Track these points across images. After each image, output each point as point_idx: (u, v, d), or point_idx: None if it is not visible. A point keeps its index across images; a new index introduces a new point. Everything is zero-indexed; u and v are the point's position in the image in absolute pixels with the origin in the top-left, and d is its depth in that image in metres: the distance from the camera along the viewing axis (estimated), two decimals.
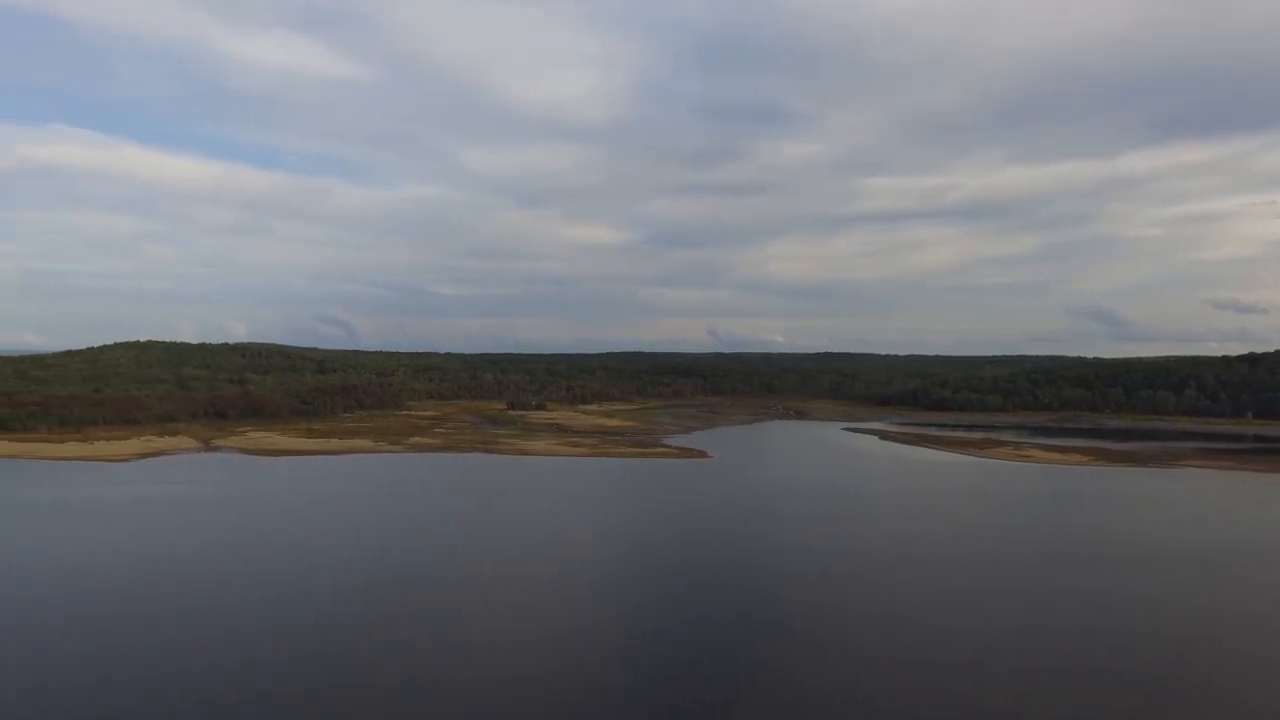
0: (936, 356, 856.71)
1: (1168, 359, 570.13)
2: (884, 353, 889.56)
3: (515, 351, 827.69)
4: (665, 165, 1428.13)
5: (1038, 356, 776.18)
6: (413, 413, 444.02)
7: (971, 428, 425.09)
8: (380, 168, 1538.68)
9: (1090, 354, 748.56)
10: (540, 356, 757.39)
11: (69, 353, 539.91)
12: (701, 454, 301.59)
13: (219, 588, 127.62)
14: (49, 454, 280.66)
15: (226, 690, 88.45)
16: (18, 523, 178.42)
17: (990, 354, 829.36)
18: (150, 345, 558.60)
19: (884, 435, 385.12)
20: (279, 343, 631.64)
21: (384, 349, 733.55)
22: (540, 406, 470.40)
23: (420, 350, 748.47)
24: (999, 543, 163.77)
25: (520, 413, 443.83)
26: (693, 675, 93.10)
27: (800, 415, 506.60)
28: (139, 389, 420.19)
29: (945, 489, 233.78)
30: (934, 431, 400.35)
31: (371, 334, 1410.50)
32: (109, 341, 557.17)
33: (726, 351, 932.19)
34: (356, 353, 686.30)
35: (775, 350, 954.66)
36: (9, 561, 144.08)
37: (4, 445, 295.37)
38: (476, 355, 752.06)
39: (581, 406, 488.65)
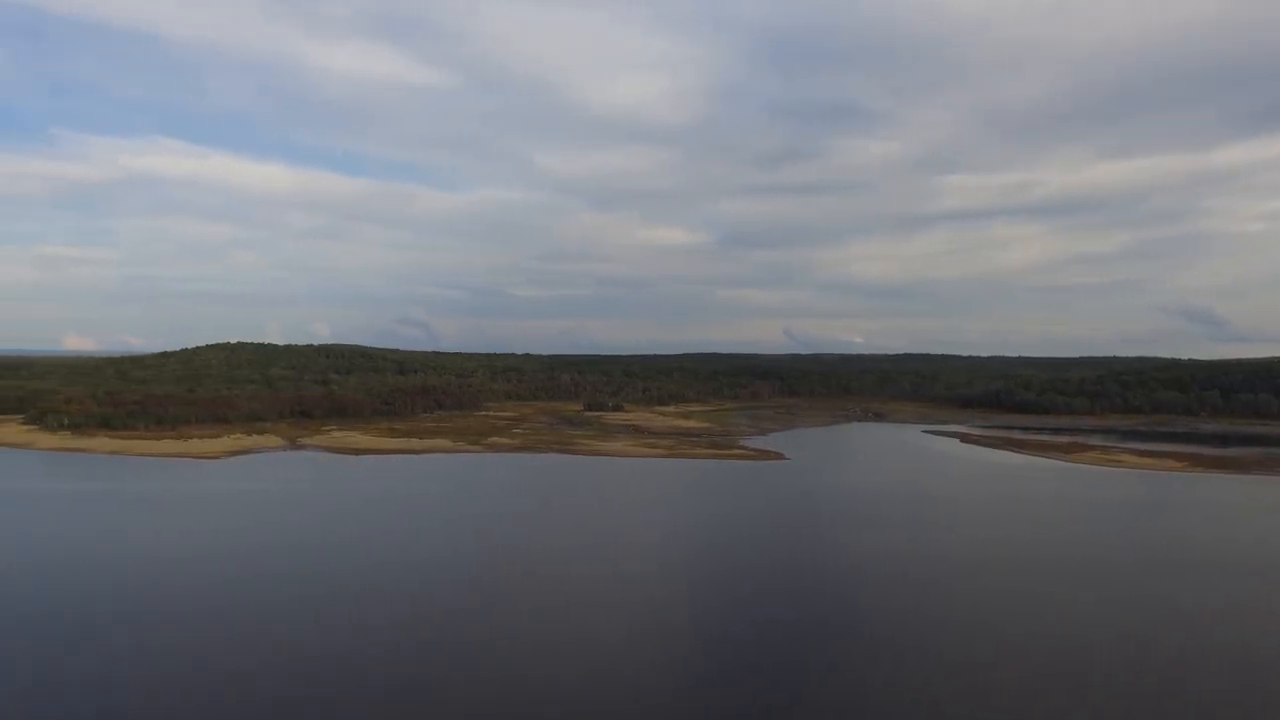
0: (1020, 358, 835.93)
1: (1271, 360, 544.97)
2: (965, 354, 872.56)
3: (592, 353, 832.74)
4: (740, 166, 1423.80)
5: (1128, 358, 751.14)
6: (491, 413, 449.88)
7: (1057, 431, 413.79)
8: (459, 172, 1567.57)
9: (1184, 355, 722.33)
10: (617, 358, 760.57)
11: (165, 354, 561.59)
12: (778, 456, 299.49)
13: (308, 583, 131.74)
14: (148, 451, 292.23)
15: (317, 679, 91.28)
16: (133, 516, 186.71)
17: (1077, 355, 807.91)
18: (240, 347, 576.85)
19: (965, 438, 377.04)
20: (361, 344, 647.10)
21: (463, 350, 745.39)
22: (617, 408, 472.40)
23: (498, 351, 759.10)
24: (1085, 549, 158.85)
25: (597, 414, 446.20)
26: (762, 678, 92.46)
27: (879, 417, 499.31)
28: (229, 389, 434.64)
29: (1028, 493, 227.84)
30: (1017, 435, 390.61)
31: (451, 335, 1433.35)
32: (202, 343, 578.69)
33: (804, 352, 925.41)
34: (436, 354, 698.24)
35: (853, 351, 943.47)
36: (134, 553, 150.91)
37: (108, 442, 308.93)
38: (553, 356, 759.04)
39: (658, 408, 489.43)
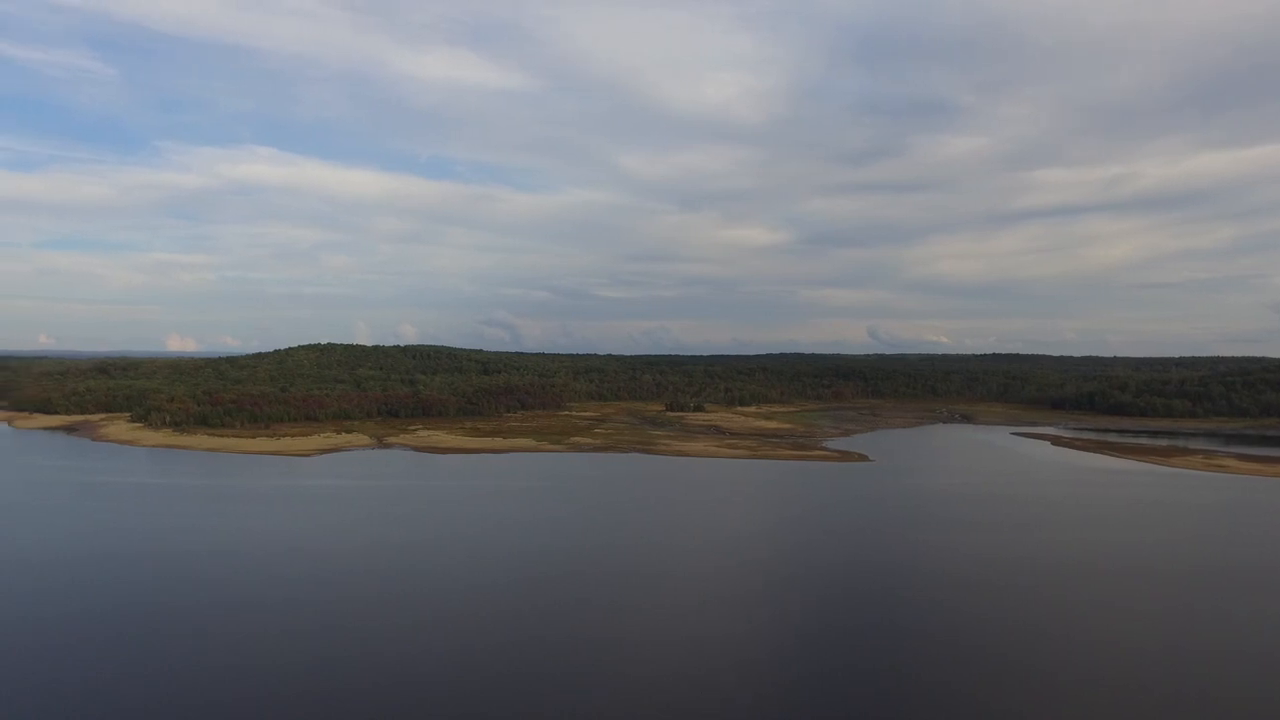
0: (1116, 358, 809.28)
1: None
2: (1057, 354, 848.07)
3: (673, 353, 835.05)
4: (822, 164, 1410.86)
5: (1233, 358, 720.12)
6: (573, 413, 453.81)
7: (1155, 434, 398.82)
8: (543, 174, 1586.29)
9: None
10: (698, 358, 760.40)
11: (260, 354, 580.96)
12: (861, 457, 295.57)
13: (403, 580, 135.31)
14: (244, 448, 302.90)
15: (406, 672, 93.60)
16: (235, 510, 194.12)
17: (1177, 355, 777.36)
18: (330, 348, 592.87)
19: (1056, 441, 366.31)
20: (447, 345, 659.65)
21: (546, 351, 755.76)
22: (698, 408, 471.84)
23: (581, 352, 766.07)
24: (1181, 558, 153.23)
25: (678, 414, 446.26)
26: (835, 682, 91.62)
27: (966, 419, 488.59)
28: (320, 389, 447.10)
29: (1122, 499, 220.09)
30: (1112, 438, 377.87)
31: (534, 336, 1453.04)
32: (294, 344, 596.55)
33: (888, 353, 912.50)
34: (520, 354, 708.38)
35: (939, 351, 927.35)
36: (254, 546, 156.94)
37: (206, 440, 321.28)
38: (635, 357, 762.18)
39: (739, 408, 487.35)
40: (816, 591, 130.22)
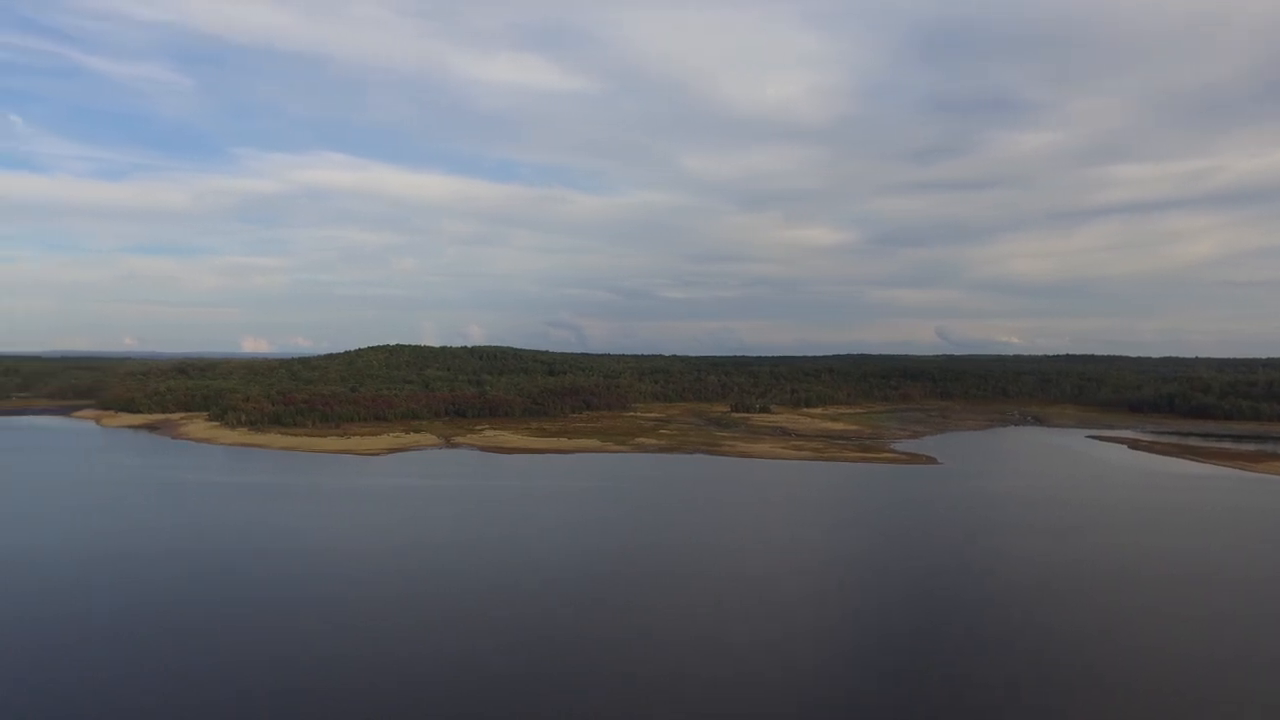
0: (1198, 358, 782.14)
1: None
2: (1135, 354, 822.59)
3: (738, 354, 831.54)
4: (889, 163, 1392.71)
5: None
6: (638, 414, 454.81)
7: (1241, 438, 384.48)
8: (608, 176, 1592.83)
9: None
10: (763, 359, 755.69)
11: (330, 355, 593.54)
12: (930, 460, 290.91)
13: (450, 579, 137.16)
14: (316, 447, 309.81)
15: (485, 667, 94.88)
16: (314, 507, 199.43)
17: (1264, 355, 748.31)
18: (398, 349, 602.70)
19: (1134, 445, 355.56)
20: (513, 346, 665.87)
21: (611, 351, 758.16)
22: (764, 409, 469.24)
23: (646, 353, 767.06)
24: (1265, 567, 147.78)
25: (744, 415, 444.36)
26: (897, 688, 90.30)
27: (1038, 421, 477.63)
28: (389, 389, 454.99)
29: (1204, 505, 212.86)
30: (1194, 442, 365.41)
31: (599, 337, 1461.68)
32: (364, 345, 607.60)
33: (957, 354, 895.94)
34: (585, 355, 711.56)
35: (1011, 352, 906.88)
36: (314, 542, 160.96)
37: (279, 439, 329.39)
38: (700, 358, 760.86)
39: (805, 409, 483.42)
40: (878, 595, 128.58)
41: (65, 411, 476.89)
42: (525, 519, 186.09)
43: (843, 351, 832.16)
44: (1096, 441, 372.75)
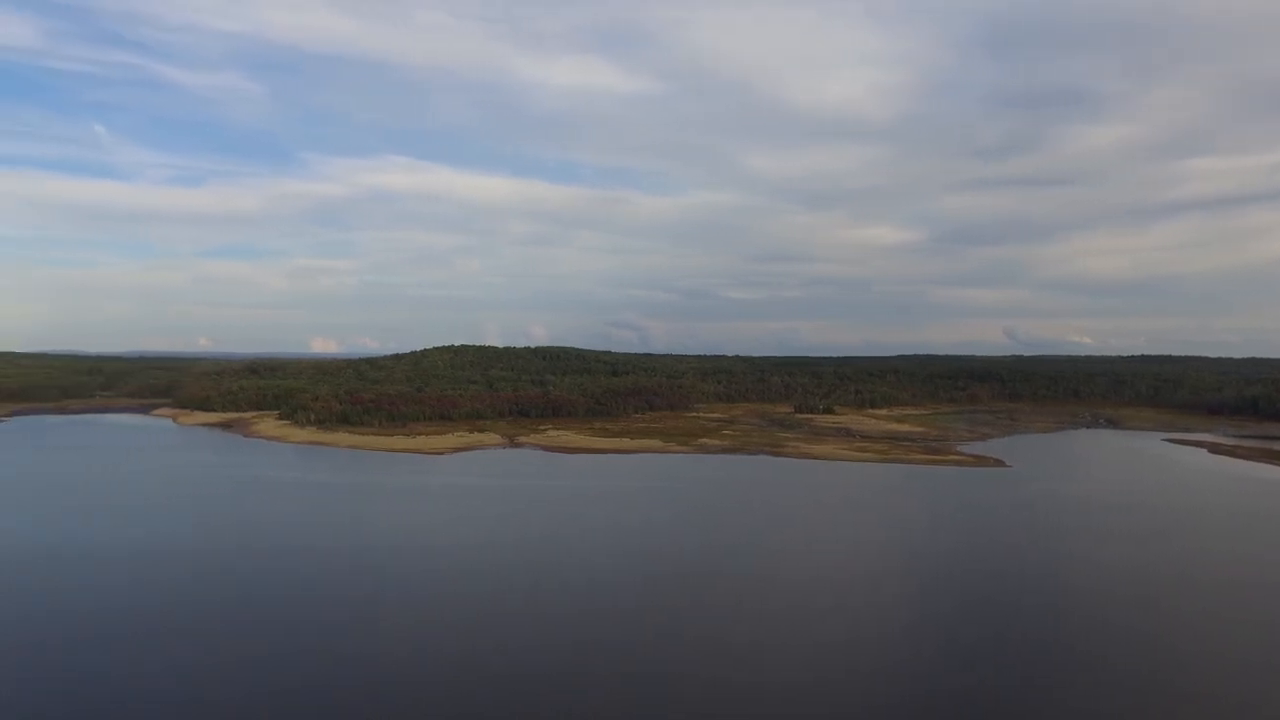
0: None
1: None
2: (1215, 355, 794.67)
3: (802, 354, 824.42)
4: (955, 160, 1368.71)
5: None
6: (701, 414, 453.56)
7: None
8: (669, 176, 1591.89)
9: None
10: (827, 359, 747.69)
11: (397, 356, 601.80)
12: (998, 462, 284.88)
13: (503, 577, 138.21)
14: (382, 446, 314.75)
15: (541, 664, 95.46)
16: (384, 505, 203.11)
17: None
18: (463, 349, 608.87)
19: (1214, 448, 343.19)
20: (576, 346, 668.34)
21: (673, 352, 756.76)
22: (827, 410, 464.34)
23: (708, 353, 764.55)
24: None
25: (807, 416, 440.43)
26: (958, 695, 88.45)
27: (1112, 424, 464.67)
28: (454, 389, 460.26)
29: None
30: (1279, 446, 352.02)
31: (662, 337, 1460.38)
32: (429, 345, 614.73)
33: (1027, 354, 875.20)
34: (648, 355, 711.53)
35: (1082, 353, 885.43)
36: (389, 539, 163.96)
37: (347, 437, 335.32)
38: (763, 358, 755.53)
39: (870, 410, 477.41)
40: (941, 600, 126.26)
41: (144, 410, 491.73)
42: (585, 519, 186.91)
43: (908, 352, 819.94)
44: (1174, 445, 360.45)
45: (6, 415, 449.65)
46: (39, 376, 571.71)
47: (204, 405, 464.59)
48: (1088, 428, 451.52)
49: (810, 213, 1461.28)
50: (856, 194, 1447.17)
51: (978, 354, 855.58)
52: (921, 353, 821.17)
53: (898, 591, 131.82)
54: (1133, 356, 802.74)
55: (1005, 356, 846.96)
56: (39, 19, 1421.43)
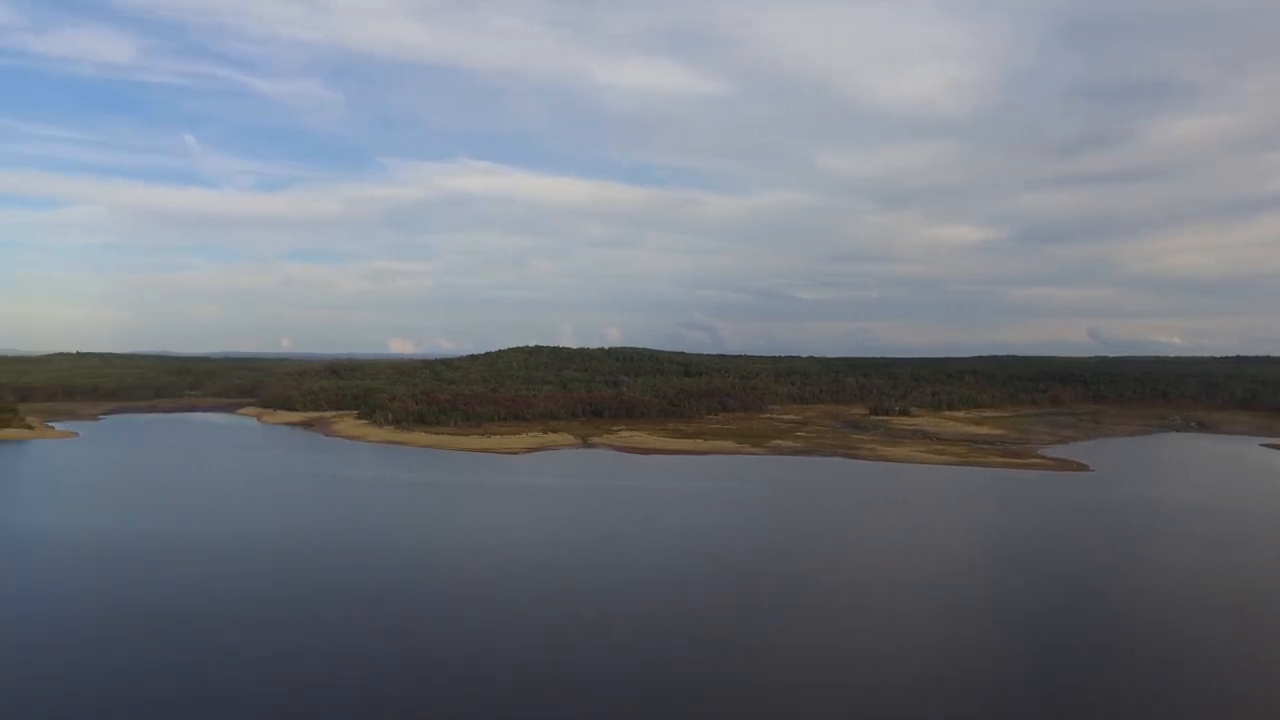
0: None
1: None
2: None
3: (877, 355, 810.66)
4: (1036, 156, 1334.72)
5: None
6: (774, 415, 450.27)
7: None
8: (740, 177, 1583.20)
9: None
10: (904, 360, 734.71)
11: (472, 356, 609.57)
12: (1081, 467, 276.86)
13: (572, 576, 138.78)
14: (457, 445, 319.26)
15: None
16: (461, 505, 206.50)
17: None
18: (537, 350, 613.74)
19: None
20: (649, 347, 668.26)
21: (747, 353, 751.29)
22: (904, 412, 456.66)
23: (782, 354, 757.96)
24: None
25: (882, 418, 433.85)
26: (1036, 702, 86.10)
27: (1203, 428, 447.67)
28: (528, 389, 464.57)
29: None
30: None
31: (735, 338, 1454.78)
32: (503, 346, 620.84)
33: (1111, 355, 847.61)
34: (721, 356, 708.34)
35: (1171, 354, 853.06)
36: (464, 538, 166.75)
37: (424, 437, 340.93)
38: (838, 359, 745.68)
39: (947, 412, 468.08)
40: (1023, 606, 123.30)
41: (230, 409, 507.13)
42: (659, 519, 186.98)
43: (986, 353, 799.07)
44: (1272, 450, 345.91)
45: (103, 413, 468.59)
46: (132, 377, 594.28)
47: (286, 405, 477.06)
48: (1178, 431, 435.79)
49: (884, 212, 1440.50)
50: (932, 192, 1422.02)
51: (1059, 354, 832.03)
52: (1000, 353, 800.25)
53: (973, 596, 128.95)
54: (1225, 357, 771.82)
55: (1088, 357, 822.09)
56: (136, 36, 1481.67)
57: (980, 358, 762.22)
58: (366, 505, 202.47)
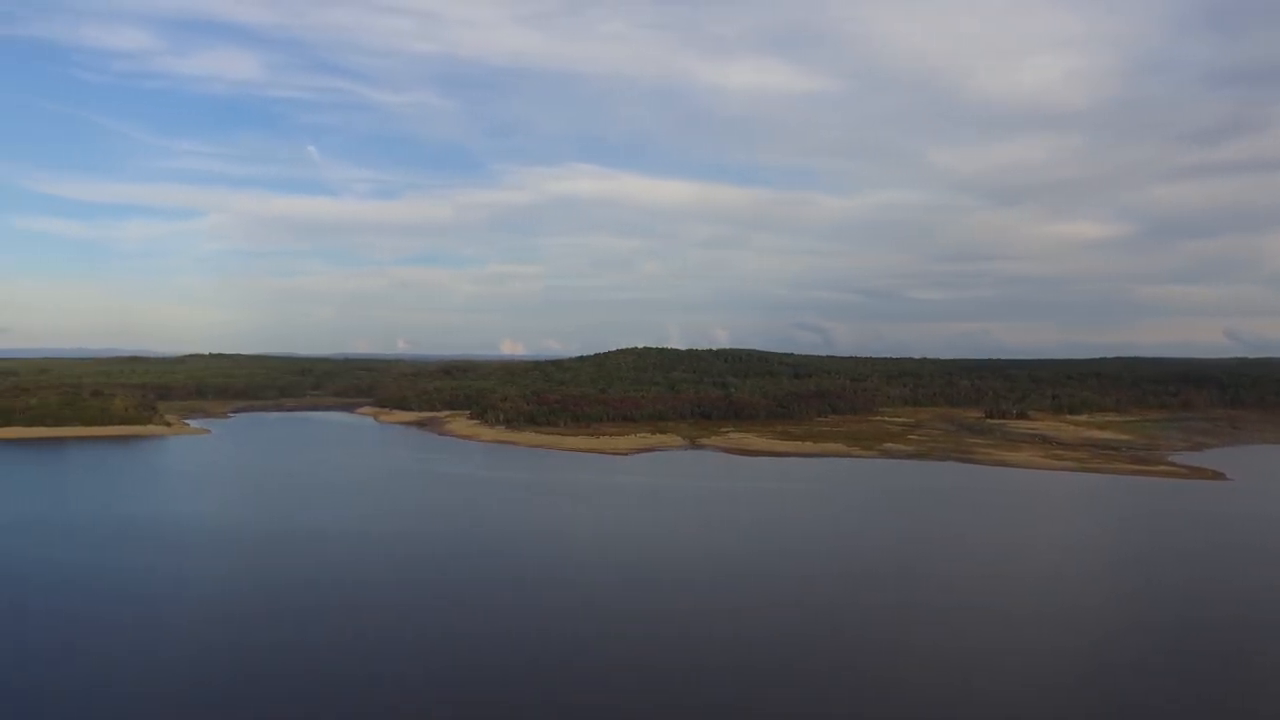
0: None
1: None
2: None
3: (994, 357, 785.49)
4: (1166, 146, 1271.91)
5: None
6: (885, 418, 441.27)
7: None
8: (851, 176, 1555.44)
9: None
10: (1022, 362, 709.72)
11: (581, 358, 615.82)
12: (1216, 475, 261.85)
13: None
14: (567, 445, 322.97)
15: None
16: (579, 505, 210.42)
17: None
18: (646, 351, 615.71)
19: None
20: (758, 348, 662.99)
21: (858, 354, 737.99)
22: (1022, 415, 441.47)
23: (894, 356, 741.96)
24: None
25: (999, 421, 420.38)
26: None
27: None
28: (636, 390, 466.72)
29: None
30: None
31: (846, 339, 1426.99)
32: (612, 348, 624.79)
33: (1252, 356, 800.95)
34: (831, 358, 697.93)
35: None
36: (579, 538, 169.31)
37: (534, 437, 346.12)
38: (952, 361, 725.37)
39: (1069, 416, 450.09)
40: (1152, 620, 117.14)
41: (348, 408, 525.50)
42: (781, 522, 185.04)
43: (1111, 354, 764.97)
44: None
45: (231, 411, 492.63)
46: (259, 377, 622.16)
47: (401, 404, 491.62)
48: None
49: (1001, 209, 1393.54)
50: (1053, 187, 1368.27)
51: (1192, 355, 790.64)
52: (1127, 355, 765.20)
53: (1093, 606, 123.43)
54: None
55: (1226, 359, 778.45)
56: (262, 53, 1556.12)
57: (1104, 359, 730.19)
58: (484, 503, 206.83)
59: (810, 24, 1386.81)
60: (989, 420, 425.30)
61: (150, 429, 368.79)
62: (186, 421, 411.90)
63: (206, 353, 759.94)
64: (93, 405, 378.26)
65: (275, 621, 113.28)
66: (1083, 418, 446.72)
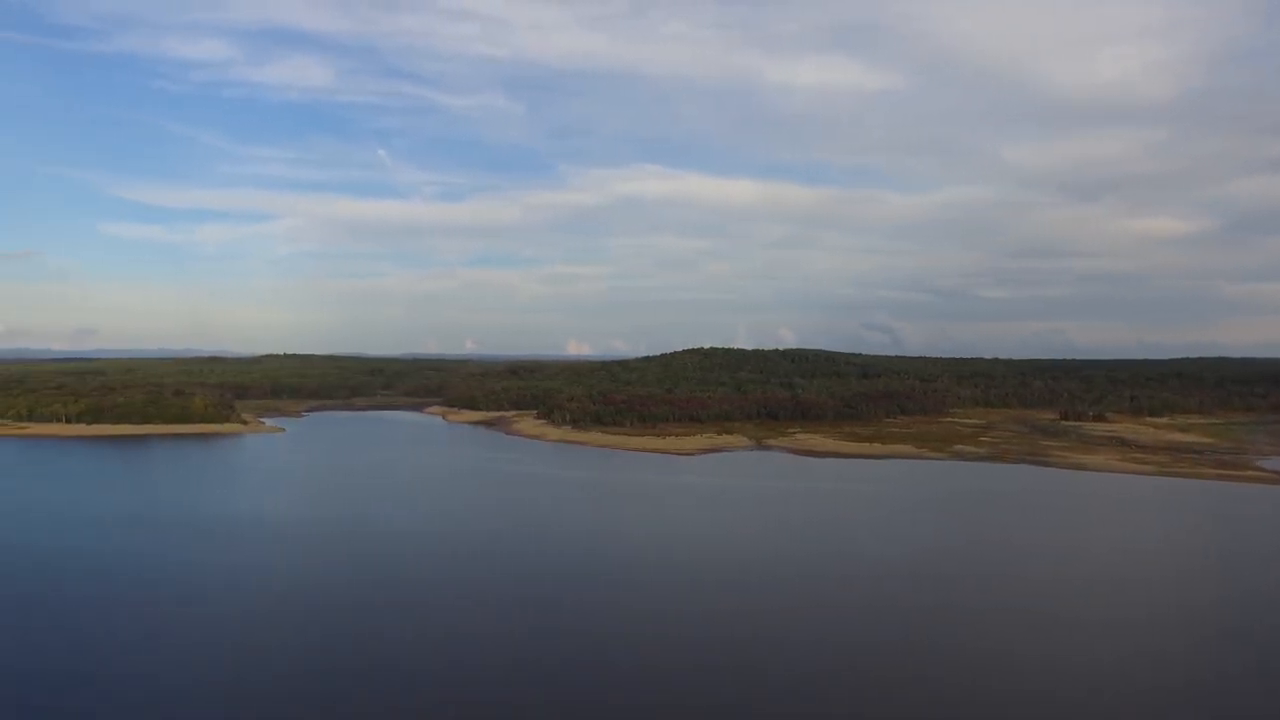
0: None
1: None
2: None
3: (1069, 357, 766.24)
4: (1253, 139, 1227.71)
5: None
6: (956, 419, 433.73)
7: None
8: (919, 173, 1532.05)
9: None
10: (1098, 363, 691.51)
11: (647, 358, 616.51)
12: None
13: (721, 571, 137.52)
14: (633, 445, 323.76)
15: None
16: (646, 504, 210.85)
17: None
18: (712, 351, 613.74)
19: None
20: (825, 348, 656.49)
21: (927, 354, 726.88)
22: (1098, 417, 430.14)
23: (965, 356, 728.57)
24: None
25: (1074, 423, 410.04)
26: None
27: None
28: (702, 390, 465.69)
29: None
30: None
31: (915, 339, 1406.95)
32: (678, 348, 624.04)
33: None
34: (900, 358, 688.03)
35: None
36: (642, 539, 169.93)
37: (600, 437, 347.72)
38: (1025, 361, 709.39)
39: (1148, 418, 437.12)
40: (1242, 628, 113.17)
41: (417, 408, 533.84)
42: (850, 525, 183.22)
43: (1193, 354, 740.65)
44: None
45: (305, 410, 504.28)
46: (332, 377, 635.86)
47: (469, 404, 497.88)
48: None
49: (1076, 204, 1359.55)
50: (1130, 182, 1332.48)
51: None
52: (1210, 355, 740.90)
53: (1169, 615, 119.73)
54: None
55: None
56: (333, 60, 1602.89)
57: (1186, 359, 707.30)
58: (552, 502, 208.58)
59: (874, 21, 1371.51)
60: (1064, 422, 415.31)
61: (228, 427, 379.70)
62: (262, 420, 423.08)
63: (281, 353, 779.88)
64: (174, 404, 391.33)
65: (363, 615, 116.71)
66: (1163, 420, 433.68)
